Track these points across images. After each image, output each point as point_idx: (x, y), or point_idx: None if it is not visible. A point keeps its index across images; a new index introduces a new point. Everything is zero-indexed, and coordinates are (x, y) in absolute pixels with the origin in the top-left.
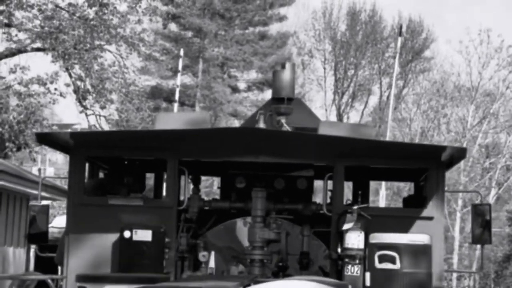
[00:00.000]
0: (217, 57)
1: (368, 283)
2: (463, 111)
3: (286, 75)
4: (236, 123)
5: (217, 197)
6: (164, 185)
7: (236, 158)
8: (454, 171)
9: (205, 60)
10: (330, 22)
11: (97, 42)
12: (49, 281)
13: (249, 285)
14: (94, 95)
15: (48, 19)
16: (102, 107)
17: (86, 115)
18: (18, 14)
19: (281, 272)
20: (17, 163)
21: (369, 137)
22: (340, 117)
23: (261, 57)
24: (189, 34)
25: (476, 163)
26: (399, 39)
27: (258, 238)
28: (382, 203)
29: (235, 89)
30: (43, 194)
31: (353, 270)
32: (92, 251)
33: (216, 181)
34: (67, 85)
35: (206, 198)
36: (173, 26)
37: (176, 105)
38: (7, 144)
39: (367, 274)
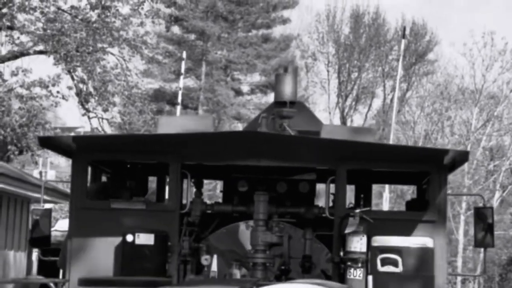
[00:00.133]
0: (220, 59)
1: (370, 286)
2: (467, 113)
3: (288, 78)
4: (239, 126)
5: (220, 200)
6: (167, 188)
7: (238, 161)
8: (458, 174)
9: (208, 62)
10: (334, 25)
11: (99, 45)
12: (52, 284)
13: None
14: (96, 97)
15: (50, 21)
16: (105, 110)
17: (89, 118)
18: (21, 17)
19: (283, 276)
20: (19, 166)
21: (371, 141)
22: (343, 120)
23: (265, 59)
24: (192, 36)
25: (480, 165)
26: (403, 42)
27: (260, 241)
28: (385, 206)
29: (238, 92)
30: (44, 197)
31: (355, 273)
32: (95, 255)
33: (219, 184)
34: (70, 88)
35: (208, 202)
36: (176, 29)
37: (179, 108)
38: (9, 147)
39: (370, 278)
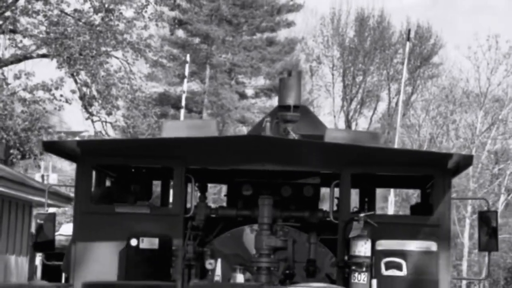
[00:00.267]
0: (225, 63)
1: None
2: (472, 117)
3: (292, 82)
4: (244, 130)
5: (224, 204)
6: (171, 192)
7: (242, 165)
8: (463, 177)
9: (213, 66)
10: (339, 28)
11: (103, 48)
12: None
13: None
14: (100, 101)
15: (53, 25)
16: (108, 114)
17: (92, 121)
18: (23, 20)
19: (287, 280)
20: (22, 170)
21: (376, 145)
22: (348, 123)
23: (269, 63)
24: (197, 40)
25: (485, 169)
26: (408, 45)
27: (265, 245)
28: (390, 210)
29: (242, 96)
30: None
31: (360, 277)
32: (99, 259)
33: (224, 188)
34: (73, 91)
35: (213, 206)
36: (180, 32)
37: (183, 112)
38: (11, 151)
39: (374, 281)
